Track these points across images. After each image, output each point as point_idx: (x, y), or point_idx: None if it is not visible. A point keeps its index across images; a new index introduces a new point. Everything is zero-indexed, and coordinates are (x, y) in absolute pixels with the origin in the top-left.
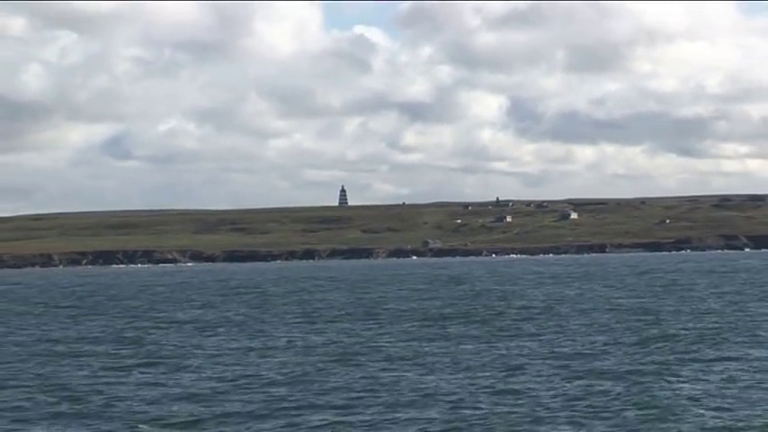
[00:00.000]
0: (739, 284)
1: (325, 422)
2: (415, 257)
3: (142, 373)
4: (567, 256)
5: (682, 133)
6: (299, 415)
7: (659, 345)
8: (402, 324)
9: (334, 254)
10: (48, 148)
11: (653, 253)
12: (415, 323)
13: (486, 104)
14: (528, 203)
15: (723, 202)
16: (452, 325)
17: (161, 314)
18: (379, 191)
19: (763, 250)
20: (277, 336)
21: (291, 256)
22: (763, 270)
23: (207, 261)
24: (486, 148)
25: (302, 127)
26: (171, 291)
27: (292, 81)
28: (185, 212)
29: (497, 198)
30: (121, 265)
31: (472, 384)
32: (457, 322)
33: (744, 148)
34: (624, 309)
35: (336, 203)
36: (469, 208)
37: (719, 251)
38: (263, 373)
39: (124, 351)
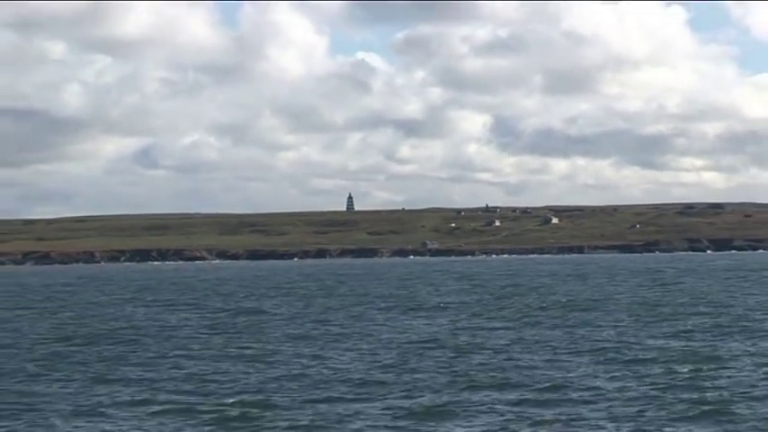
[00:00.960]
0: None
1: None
2: (412, 257)
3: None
4: (549, 256)
5: (645, 148)
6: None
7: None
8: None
9: (343, 253)
10: (85, 158)
11: (625, 254)
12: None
13: (473, 122)
14: (513, 210)
15: (686, 209)
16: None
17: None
18: (378, 197)
19: (724, 252)
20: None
21: (306, 254)
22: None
23: (231, 259)
24: (473, 161)
25: (310, 141)
26: (258, 285)
27: (301, 100)
28: (209, 216)
29: (487, 204)
30: (156, 262)
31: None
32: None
33: (700, 162)
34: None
35: (344, 208)
36: (462, 213)
37: (684, 253)
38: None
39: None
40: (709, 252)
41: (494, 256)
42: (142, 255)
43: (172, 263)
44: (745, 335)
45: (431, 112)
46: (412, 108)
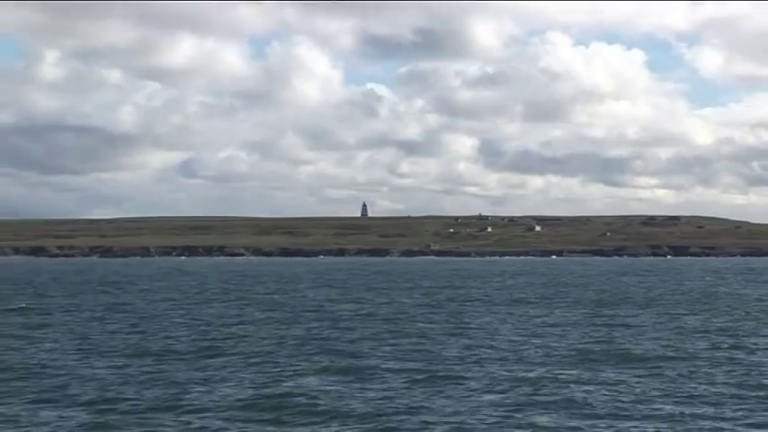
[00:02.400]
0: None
1: None
2: (415, 257)
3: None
4: (534, 258)
5: (608, 168)
6: None
7: None
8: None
9: (359, 252)
10: (136, 168)
11: (598, 257)
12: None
13: (463, 144)
14: (502, 218)
15: (649, 220)
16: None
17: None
18: (381, 206)
19: (681, 257)
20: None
21: (328, 253)
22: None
23: (265, 256)
24: (462, 176)
25: (325, 157)
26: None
27: (319, 123)
28: (244, 219)
29: (480, 213)
30: (202, 257)
31: None
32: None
33: (654, 181)
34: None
35: (359, 214)
36: (459, 220)
37: (648, 257)
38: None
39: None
40: (669, 257)
41: (487, 257)
42: (190, 251)
43: (217, 258)
44: None
45: (427, 134)
46: (412, 131)
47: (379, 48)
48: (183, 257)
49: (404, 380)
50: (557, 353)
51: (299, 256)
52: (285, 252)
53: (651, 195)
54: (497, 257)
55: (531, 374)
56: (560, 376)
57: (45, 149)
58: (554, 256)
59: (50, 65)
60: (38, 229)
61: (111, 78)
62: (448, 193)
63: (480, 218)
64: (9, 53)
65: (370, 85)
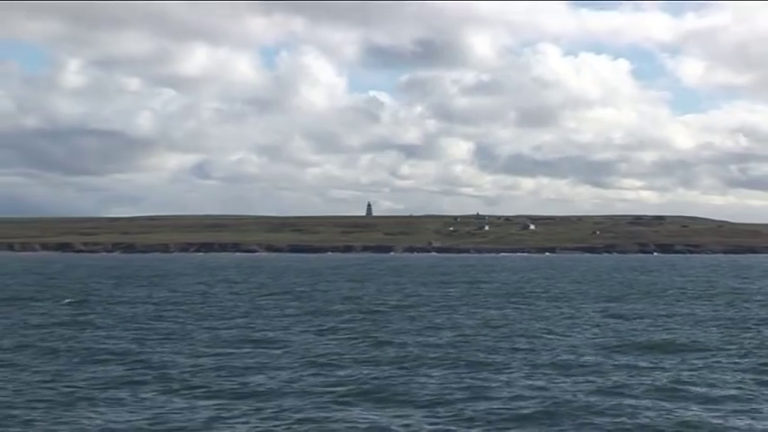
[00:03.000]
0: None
1: None
2: (418, 254)
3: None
4: (529, 254)
5: (595, 171)
6: None
7: None
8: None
9: (365, 249)
10: (153, 169)
11: (590, 254)
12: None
13: (459, 148)
14: (498, 218)
15: (636, 220)
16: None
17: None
18: (383, 206)
19: (667, 255)
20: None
21: (335, 249)
22: None
23: (276, 251)
24: (459, 178)
25: (330, 160)
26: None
27: (324, 127)
28: (256, 217)
29: (477, 213)
30: (219, 253)
31: None
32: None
33: (638, 183)
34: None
35: (364, 213)
36: (458, 219)
37: (635, 254)
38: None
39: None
40: (655, 254)
41: (487, 254)
42: (207, 247)
43: (232, 254)
44: None
45: (426, 139)
46: (411, 135)
47: (381, 57)
48: (200, 253)
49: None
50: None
51: (308, 252)
52: (295, 248)
53: (636, 196)
54: (495, 254)
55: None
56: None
57: (68, 152)
58: (548, 253)
59: (73, 73)
60: (63, 227)
61: (130, 85)
62: (446, 194)
63: (478, 217)
64: (34, 62)
65: (372, 93)
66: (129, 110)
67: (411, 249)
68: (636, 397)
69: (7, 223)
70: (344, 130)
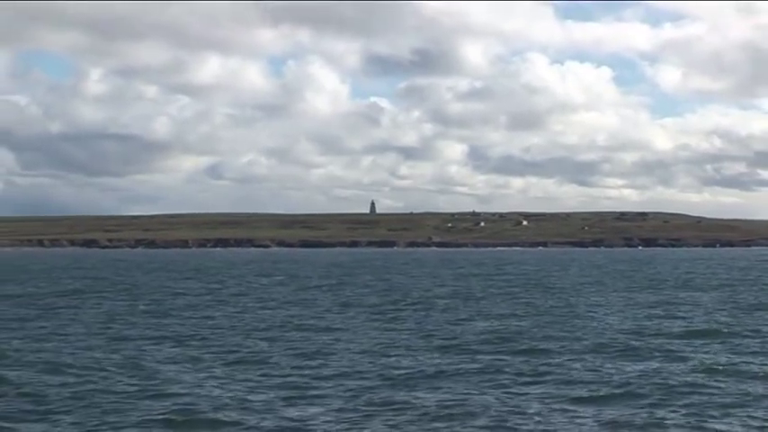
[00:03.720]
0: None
1: None
2: (420, 248)
3: None
4: (524, 249)
5: (580, 171)
6: None
7: None
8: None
9: (370, 244)
10: (170, 171)
11: (579, 248)
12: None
13: (454, 150)
14: (493, 214)
15: (621, 216)
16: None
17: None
18: (384, 204)
19: (650, 248)
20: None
21: (342, 244)
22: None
23: (288, 247)
24: (453, 177)
25: (334, 161)
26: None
27: (328, 131)
28: (268, 214)
29: (473, 210)
30: (235, 248)
31: None
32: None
33: (620, 182)
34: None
35: (368, 211)
36: (455, 216)
37: (621, 248)
38: None
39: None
40: (640, 248)
41: (484, 248)
42: (223, 243)
43: (247, 249)
44: None
45: (423, 141)
46: (409, 138)
47: (381, 66)
48: (217, 249)
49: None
50: None
51: (317, 247)
52: (305, 244)
53: (618, 194)
54: (491, 248)
55: None
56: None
57: (90, 155)
58: (540, 247)
59: (95, 81)
60: (88, 224)
61: (148, 93)
62: (441, 193)
63: (474, 214)
64: (59, 71)
65: (373, 99)
66: (146, 115)
67: (413, 244)
68: (717, 378)
69: (37, 221)
70: (347, 133)
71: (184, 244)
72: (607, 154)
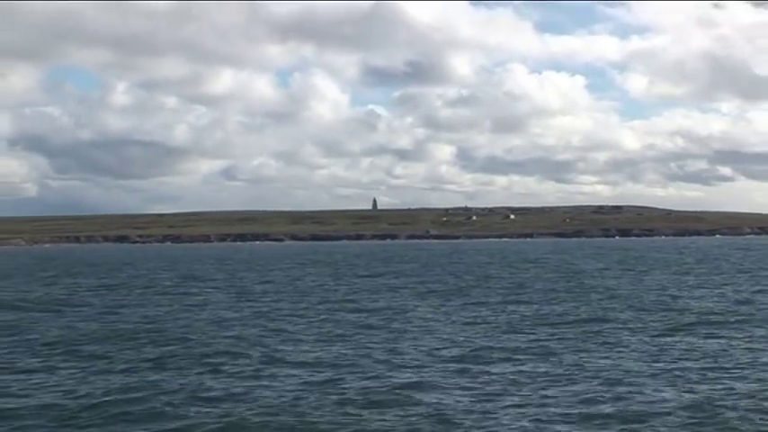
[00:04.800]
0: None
1: None
2: (419, 240)
3: None
4: (513, 240)
5: (558, 169)
6: None
7: None
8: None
9: (374, 237)
10: (188, 173)
11: (562, 239)
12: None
13: (444, 151)
14: (483, 209)
15: (598, 209)
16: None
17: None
18: (382, 201)
19: (626, 238)
20: None
21: (349, 237)
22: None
23: (300, 240)
24: (444, 177)
25: (336, 163)
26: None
27: (331, 136)
28: (280, 211)
29: (466, 205)
30: (252, 242)
31: None
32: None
33: (594, 179)
34: None
35: (370, 207)
36: (449, 211)
37: (600, 238)
38: None
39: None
40: (617, 238)
41: (476, 239)
42: (242, 237)
43: (264, 242)
44: None
45: (416, 144)
46: (404, 141)
47: (378, 77)
48: (237, 243)
49: None
50: None
51: (326, 240)
52: (315, 237)
53: (592, 190)
54: (484, 239)
55: None
56: None
57: (117, 159)
58: (528, 239)
59: (120, 93)
60: (119, 222)
61: (168, 103)
62: (433, 190)
63: (466, 209)
64: (88, 84)
65: (371, 106)
66: (167, 124)
67: (412, 237)
68: None
69: (72, 220)
70: (348, 137)
71: (207, 239)
72: (582, 154)
